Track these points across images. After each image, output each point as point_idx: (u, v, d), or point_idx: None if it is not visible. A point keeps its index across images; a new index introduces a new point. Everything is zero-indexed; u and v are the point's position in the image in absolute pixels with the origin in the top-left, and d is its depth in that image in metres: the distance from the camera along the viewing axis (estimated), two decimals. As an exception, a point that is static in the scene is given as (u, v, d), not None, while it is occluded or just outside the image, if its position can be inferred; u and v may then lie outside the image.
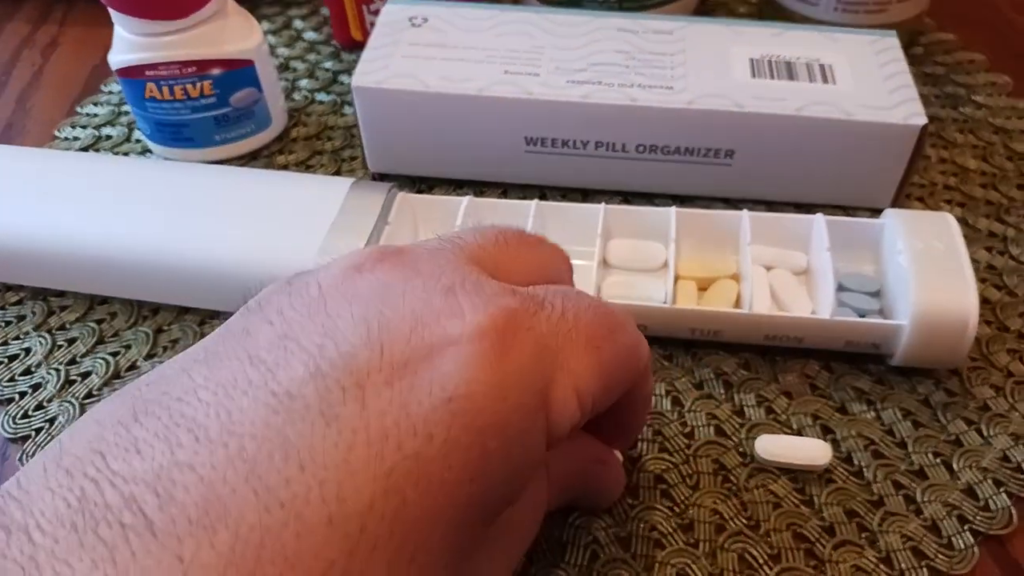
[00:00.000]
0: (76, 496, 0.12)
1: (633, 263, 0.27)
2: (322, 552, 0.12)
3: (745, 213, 0.27)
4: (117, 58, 0.30)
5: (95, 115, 0.36)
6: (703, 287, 0.27)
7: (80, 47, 0.40)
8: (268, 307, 0.15)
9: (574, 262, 0.25)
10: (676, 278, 0.26)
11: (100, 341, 0.27)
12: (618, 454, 0.22)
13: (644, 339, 0.19)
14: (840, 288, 0.26)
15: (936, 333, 0.24)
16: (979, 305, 0.24)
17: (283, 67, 0.38)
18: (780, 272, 0.27)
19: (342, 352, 0.14)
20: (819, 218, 0.27)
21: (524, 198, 0.32)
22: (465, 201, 0.27)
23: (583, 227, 0.27)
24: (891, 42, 0.31)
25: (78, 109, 0.36)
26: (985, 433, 0.24)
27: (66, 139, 0.35)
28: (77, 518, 0.12)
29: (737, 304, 0.26)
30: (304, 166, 0.33)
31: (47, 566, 0.11)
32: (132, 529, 0.12)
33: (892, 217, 0.26)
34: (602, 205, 0.28)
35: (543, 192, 0.32)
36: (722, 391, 0.25)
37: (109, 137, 0.35)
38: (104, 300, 0.28)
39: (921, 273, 0.24)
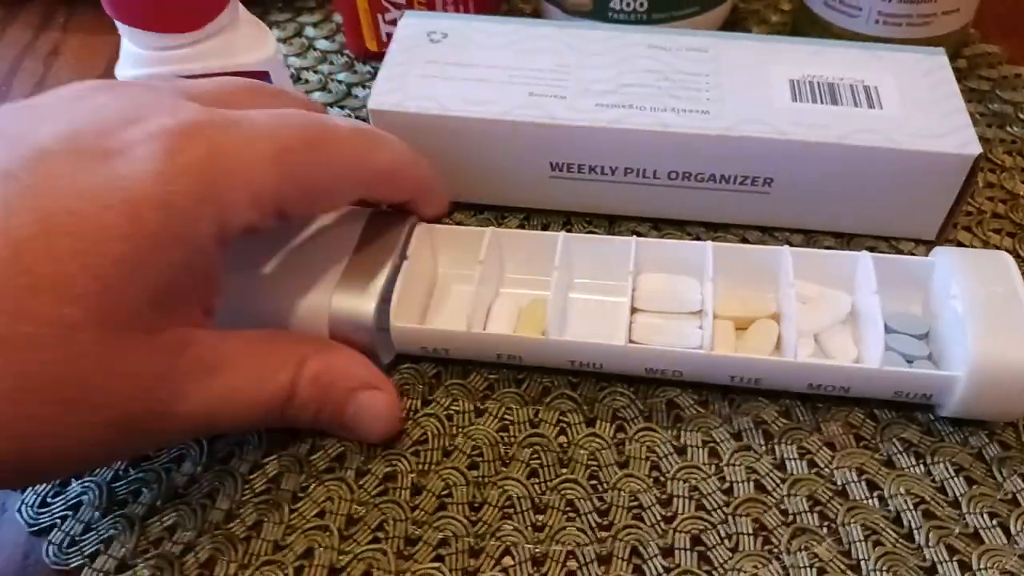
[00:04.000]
0: None
1: (666, 304, 0.25)
2: None
3: (787, 249, 0.25)
4: (125, 72, 0.28)
5: (99, 129, 0.34)
6: (741, 327, 0.25)
7: (83, 55, 0.39)
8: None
9: (601, 298, 0.27)
10: (713, 315, 0.25)
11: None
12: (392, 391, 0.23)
13: (379, 152, 0.23)
14: (886, 329, 0.24)
15: (994, 386, 0.22)
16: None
17: (295, 78, 0.36)
18: (824, 313, 0.25)
19: (35, 139, 0.18)
20: (865, 256, 0.25)
21: (548, 223, 0.30)
22: (488, 233, 0.26)
23: (613, 261, 0.26)
24: (940, 60, 0.29)
25: (81, 122, 0.35)
26: (1043, 491, 0.23)
27: (69, 155, 0.33)
28: None
29: (778, 346, 0.25)
30: (317, 186, 0.32)
31: None
32: None
33: (943, 256, 0.24)
34: (633, 239, 0.26)
35: (568, 218, 0.30)
36: (762, 442, 0.24)
37: (113, 153, 0.33)
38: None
39: (978, 321, 0.22)
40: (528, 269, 0.27)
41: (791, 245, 0.29)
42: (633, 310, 0.25)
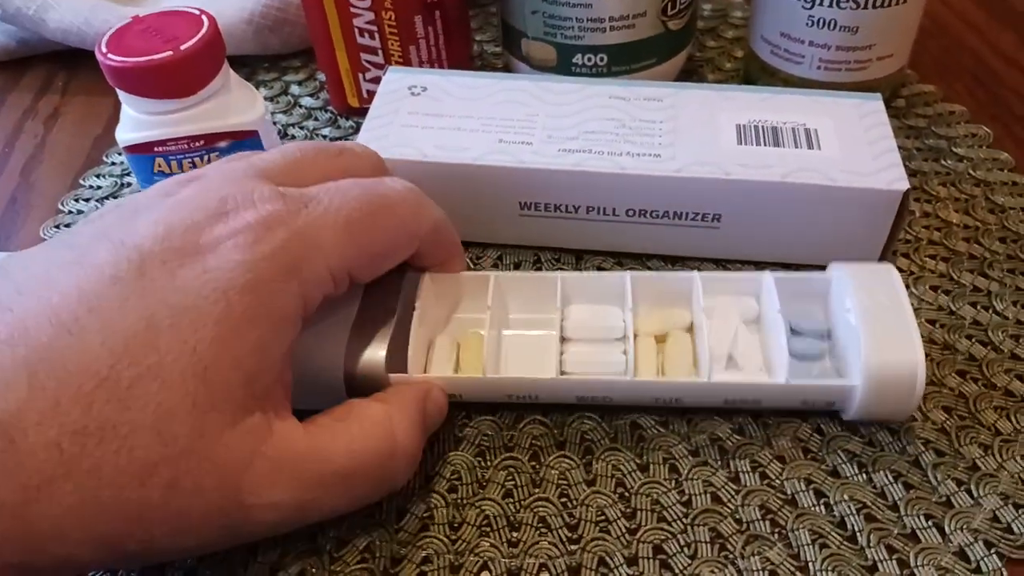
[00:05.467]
0: None
1: (592, 332, 0.27)
2: (92, 362, 0.18)
3: (696, 274, 0.27)
4: (125, 136, 0.31)
5: (98, 187, 0.37)
6: (662, 340, 0.27)
7: (82, 116, 0.41)
8: (96, 219, 0.22)
9: (533, 332, 0.28)
10: (635, 335, 0.27)
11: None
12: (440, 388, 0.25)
13: (426, 212, 0.25)
14: (792, 331, 0.26)
15: (887, 390, 0.24)
16: (959, 361, 0.24)
17: (282, 134, 0.39)
18: (733, 325, 0.27)
19: (134, 241, 0.20)
20: (767, 275, 0.27)
21: (519, 259, 0.33)
22: (425, 278, 0.27)
23: (542, 296, 0.28)
24: (876, 105, 0.32)
25: (81, 181, 0.37)
26: (975, 493, 0.25)
27: (70, 213, 0.36)
28: None
29: (695, 358, 0.27)
30: (304, 233, 0.34)
31: None
32: None
33: (838, 270, 0.27)
34: (558, 274, 0.28)
35: (538, 254, 0.33)
36: (717, 458, 0.26)
37: (113, 207, 0.36)
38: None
39: (870, 331, 0.25)
40: (466, 309, 0.28)
41: (744, 275, 0.31)
42: (563, 340, 0.27)
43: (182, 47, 0.29)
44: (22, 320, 0.19)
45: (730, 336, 0.27)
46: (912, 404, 0.25)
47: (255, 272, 0.20)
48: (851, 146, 0.30)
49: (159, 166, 0.31)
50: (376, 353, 0.25)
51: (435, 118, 0.32)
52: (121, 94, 0.30)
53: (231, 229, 0.21)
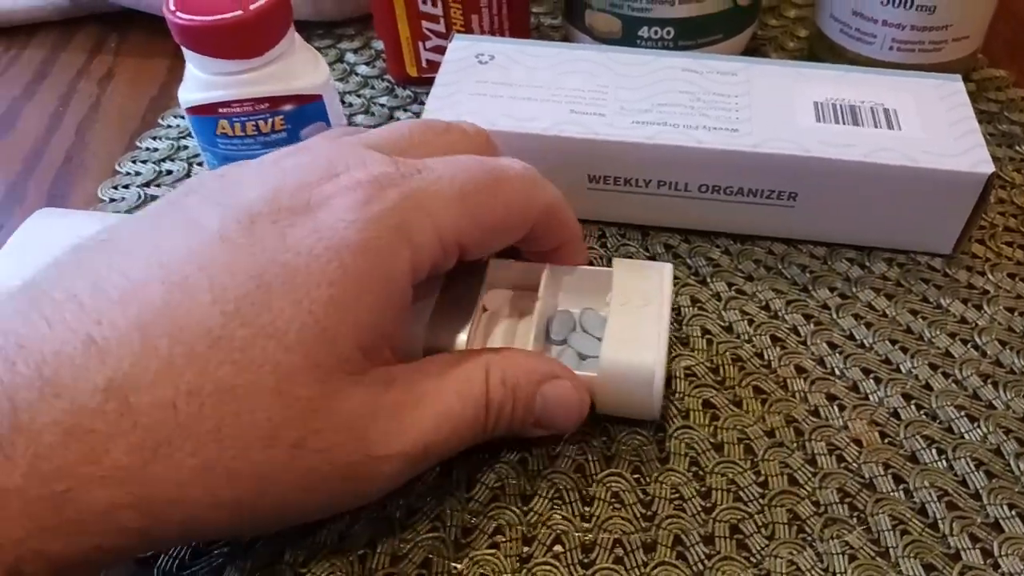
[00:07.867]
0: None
1: None
2: (204, 321, 0.18)
3: (487, 262, 0.26)
4: (189, 96, 0.30)
5: (155, 149, 0.36)
6: None
7: (136, 78, 0.41)
8: (198, 187, 0.21)
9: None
10: None
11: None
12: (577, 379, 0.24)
13: (543, 191, 0.24)
14: (576, 329, 0.26)
15: (623, 388, 0.24)
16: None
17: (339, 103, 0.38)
18: (505, 314, 0.27)
19: (243, 202, 0.20)
20: (544, 267, 0.26)
21: (584, 234, 0.32)
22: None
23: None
24: (957, 86, 0.31)
25: (137, 143, 0.37)
26: (1058, 484, 0.24)
27: (127, 174, 0.35)
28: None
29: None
30: (364, 201, 0.33)
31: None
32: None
33: (615, 266, 0.26)
34: None
35: (603, 230, 0.32)
36: (793, 439, 0.25)
37: (170, 172, 0.35)
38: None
39: (616, 327, 0.24)
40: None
41: (813, 256, 0.31)
42: None
43: (251, 7, 0.28)
44: (133, 282, 0.18)
45: (505, 324, 0.26)
46: (652, 405, 0.24)
47: (367, 232, 0.20)
48: (932, 127, 0.29)
49: (222, 128, 0.31)
50: (458, 336, 0.25)
51: (504, 87, 0.31)
52: (187, 53, 0.29)
53: (341, 187, 0.20)
